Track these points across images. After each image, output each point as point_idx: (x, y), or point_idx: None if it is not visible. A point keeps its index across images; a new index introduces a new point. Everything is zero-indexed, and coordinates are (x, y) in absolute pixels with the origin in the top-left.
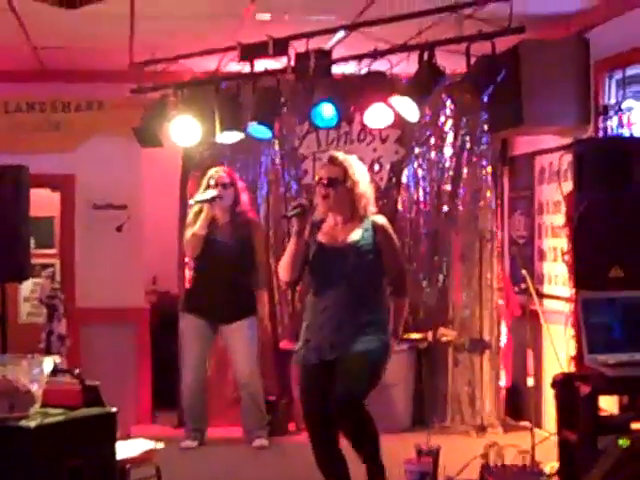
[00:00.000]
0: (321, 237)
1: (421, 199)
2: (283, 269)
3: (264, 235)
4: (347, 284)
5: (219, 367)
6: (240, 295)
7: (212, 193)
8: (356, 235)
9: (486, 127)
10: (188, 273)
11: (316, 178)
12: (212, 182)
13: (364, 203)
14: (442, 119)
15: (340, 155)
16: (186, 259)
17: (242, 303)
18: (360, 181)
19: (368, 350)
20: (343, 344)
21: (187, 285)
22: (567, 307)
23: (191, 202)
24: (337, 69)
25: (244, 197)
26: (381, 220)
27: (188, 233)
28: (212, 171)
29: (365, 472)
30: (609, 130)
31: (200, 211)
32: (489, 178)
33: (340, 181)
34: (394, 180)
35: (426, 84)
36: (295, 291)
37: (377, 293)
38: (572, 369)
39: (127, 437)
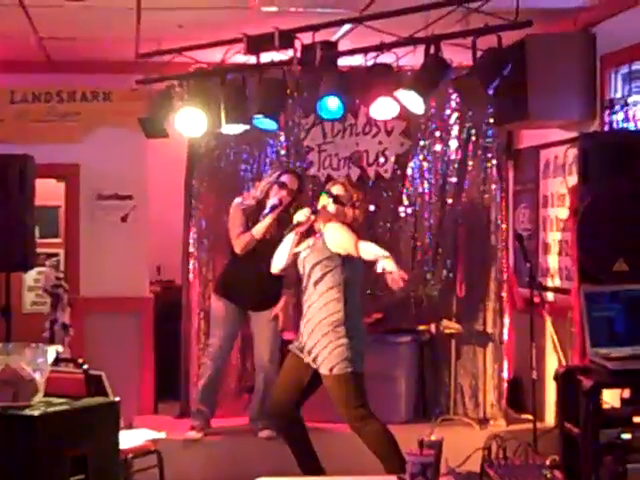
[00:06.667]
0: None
1: (426, 191)
2: (277, 258)
3: None
4: (306, 286)
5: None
6: (271, 285)
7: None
8: (311, 241)
9: (492, 120)
10: (193, 263)
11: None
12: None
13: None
14: (447, 112)
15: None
16: (191, 249)
17: (272, 293)
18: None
19: (335, 372)
20: (307, 348)
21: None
22: (570, 300)
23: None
24: (343, 61)
25: None
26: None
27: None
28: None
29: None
30: (615, 124)
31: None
32: (494, 171)
33: (340, 201)
34: (399, 172)
35: (432, 77)
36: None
37: (332, 292)
38: (574, 362)
39: (130, 427)
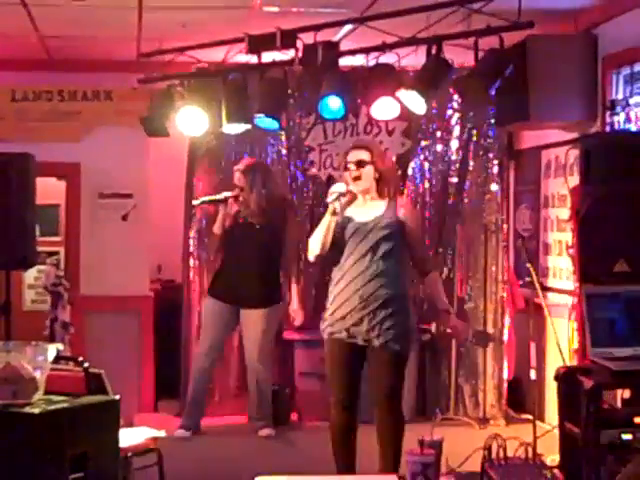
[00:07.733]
0: (351, 213)
1: (427, 191)
2: (313, 243)
3: (295, 214)
4: (371, 258)
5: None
6: (264, 282)
7: (224, 194)
8: (380, 211)
9: (493, 121)
10: (193, 262)
11: (343, 164)
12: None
13: (388, 181)
14: (449, 112)
15: (364, 139)
16: (191, 248)
17: (265, 291)
18: (384, 161)
19: (395, 348)
20: (370, 323)
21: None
22: (571, 301)
23: (195, 203)
24: (345, 61)
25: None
26: (404, 199)
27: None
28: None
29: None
30: (616, 125)
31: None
32: (495, 171)
33: (367, 162)
34: (400, 172)
35: (434, 77)
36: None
37: (399, 267)
38: (575, 362)
39: (130, 425)
